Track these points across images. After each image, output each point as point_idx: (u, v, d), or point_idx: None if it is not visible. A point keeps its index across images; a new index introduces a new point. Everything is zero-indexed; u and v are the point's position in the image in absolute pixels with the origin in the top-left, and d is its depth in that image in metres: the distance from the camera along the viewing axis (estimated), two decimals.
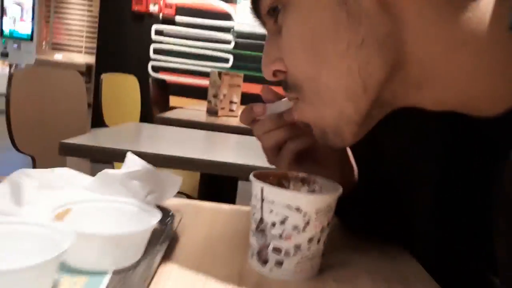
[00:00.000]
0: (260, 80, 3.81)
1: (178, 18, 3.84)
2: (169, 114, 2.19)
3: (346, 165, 0.58)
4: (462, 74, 0.39)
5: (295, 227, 0.42)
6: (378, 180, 0.60)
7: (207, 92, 2.28)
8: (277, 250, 0.42)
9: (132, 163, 0.54)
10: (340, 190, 0.45)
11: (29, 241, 0.37)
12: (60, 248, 0.33)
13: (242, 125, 2.14)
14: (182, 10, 3.83)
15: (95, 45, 4.18)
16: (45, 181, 0.51)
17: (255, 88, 3.86)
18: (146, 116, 2.49)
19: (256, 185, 0.44)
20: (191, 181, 1.94)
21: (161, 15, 3.84)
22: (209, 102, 2.26)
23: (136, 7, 3.81)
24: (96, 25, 4.06)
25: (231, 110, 2.32)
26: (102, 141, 1.13)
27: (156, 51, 3.85)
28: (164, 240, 0.47)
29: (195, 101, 3.70)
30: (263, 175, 0.48)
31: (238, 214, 0.64)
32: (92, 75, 4.97)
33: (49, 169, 0.53)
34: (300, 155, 0.55)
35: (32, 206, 0.47)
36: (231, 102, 2.30)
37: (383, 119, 0.46)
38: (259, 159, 1.22)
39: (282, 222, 0.42)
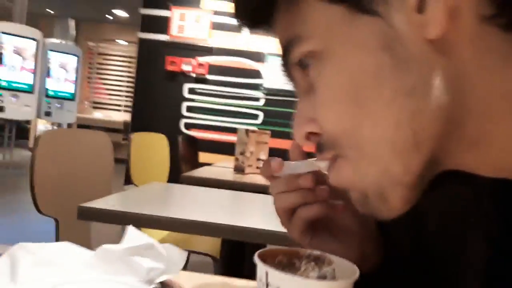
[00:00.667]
0: (290, 136, 3.81)
1: (210, 77, 3.96)
2: (195, 173, 2.19)
3: (369, 242, 0.51)
4: None
5: None
6: (412, 255, 0.53)
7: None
8: None
9: (133, 237, 0.51)
10: (356, 274, 0.40)
11: None
12: None
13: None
14: (214, 69, 3.96)
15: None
16: (43, 256, 0.49)
17: (284, 144, 3.85)
18: (175, 174, 2.50)
19: (261, 268, 0.40)
20: (214, 241, 1.90)
21: (194, 74, 3.97)
22: (237, 159, 2.26)
23: (169, 67, 3.96)
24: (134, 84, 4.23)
25: (258, 168, 2.30)
26: (122, 205, 1.11)
27: (189, 109, 3.95)
28: None
29: (225, 156, 3.72)
30: (272, 253, 0.44)
31: None
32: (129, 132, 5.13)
33: (49, 244, 0.51)
34: (315, 224, 0.50)
35: (25, 285, 0.44)
36: (258, 159, 2.29)
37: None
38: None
39: None
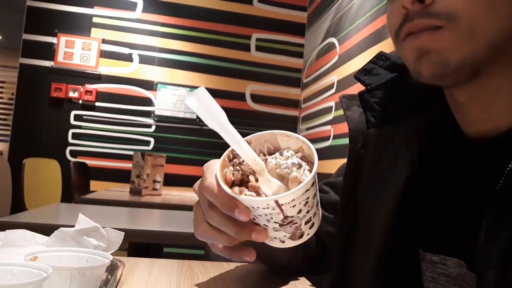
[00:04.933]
0: (182, 161, 3.96)
1: (99, 104, 3.96)
2: (90, 195, 2.22)
3: None
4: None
5: (309, 202, 0.51)
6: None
7: (130, 174, 2.37)
8: (308, 222, 0.53)
9: (83, 222, 0.65)
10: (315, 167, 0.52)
11: (12, 277, 0.47)
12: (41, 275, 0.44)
13: (166, 202, 2.25)
14: (103, 96, 3.97)
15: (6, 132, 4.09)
16: (8, 240, 0.61)
17: (177, 169, 3.99)
18: (67, 200, 2.48)
19: (268, 201, 0.48)
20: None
21: (81, 101, 3.93)
22: (132, 182, 2.35)
23: (55, 94, 3.87)
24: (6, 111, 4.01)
25: (155, 189, 2.42)
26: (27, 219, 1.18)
27: (75, 136, 3.88)
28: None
29: (117, 184, 3.73)
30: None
31: (172, 264, 0.77)
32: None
33: (8, 231, 0.63)
34: None
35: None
36: (154, 181, 2.41)
37: None
38: (181, 227, 1.34)
39: (305, 204, 0.51)
